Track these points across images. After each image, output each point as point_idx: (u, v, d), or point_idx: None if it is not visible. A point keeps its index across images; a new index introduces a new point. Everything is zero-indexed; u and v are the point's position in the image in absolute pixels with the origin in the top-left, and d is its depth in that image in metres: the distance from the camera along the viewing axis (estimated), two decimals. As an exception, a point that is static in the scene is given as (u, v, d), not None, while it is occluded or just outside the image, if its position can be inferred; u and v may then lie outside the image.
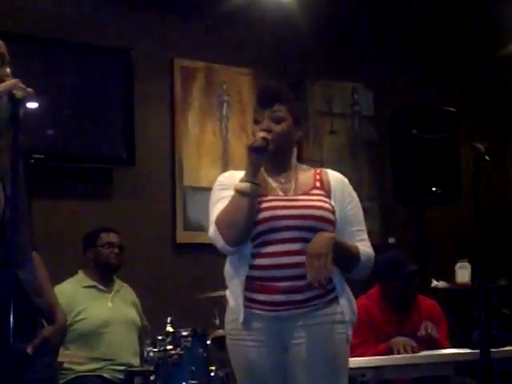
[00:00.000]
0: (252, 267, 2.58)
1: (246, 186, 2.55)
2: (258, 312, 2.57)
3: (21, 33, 4.62)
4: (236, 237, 2.56)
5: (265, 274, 2.56)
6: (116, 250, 4.42)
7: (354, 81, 6.12)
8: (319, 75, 5.97)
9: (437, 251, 5.84)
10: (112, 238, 4.45)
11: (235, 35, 5.60)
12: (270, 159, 2.64)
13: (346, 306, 2.61)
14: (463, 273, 5.65)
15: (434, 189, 5.38)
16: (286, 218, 2.58)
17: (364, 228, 2.73)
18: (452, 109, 5.62)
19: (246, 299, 2.59)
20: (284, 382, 2.58)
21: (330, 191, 2.69)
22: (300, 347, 2.55)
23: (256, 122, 2.69)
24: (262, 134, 2.58)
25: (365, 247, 2.68)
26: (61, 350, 3.74)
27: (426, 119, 5.47)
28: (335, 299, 2.60)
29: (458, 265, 5.71)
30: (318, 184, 2.70)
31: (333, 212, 2.63)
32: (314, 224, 2.57)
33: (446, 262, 5.82)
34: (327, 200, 2.65)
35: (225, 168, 5.26)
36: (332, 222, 2.61)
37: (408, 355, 3.66)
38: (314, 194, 2.66)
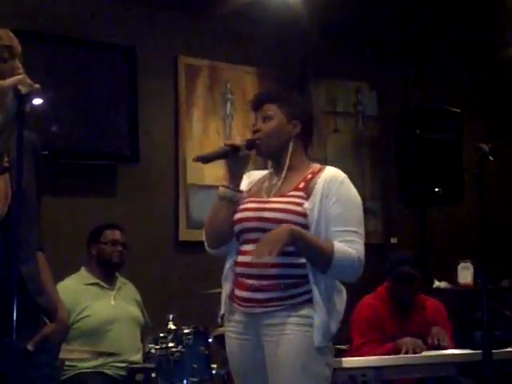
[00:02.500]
0: (235, 263, 2.68)
1: (221, 190, 2.68)
2: (236, 306, 2.66)
3: (25, 30, 4.61)
4: (213, 239, 2.71)
5: (239, 270, 2.65)
6: (119, 248, 4.38)
7: (358, 80, 6.12)
8: (323, 74, 5.98)
9: (439, 252, 5.84)
10: (116, 235, 4.41)
11: (240, 34, 5.60)
12: (267, 158, 2.78)
13: (319, 311, 2.53)
14: (466, 273, 5.65)
15: (437, 189, 5.38)
16: (255, 220, 2.62)
17: (354, 229, 2.59)
18: (456, 109, 5.62)
19: (231, 293, 2.68)
20: (261, 376, 2.59)
21: (311, 192, 2.62)
22: (268, 345, 2.58)
23: (253, 126, 2.78)
24: (229, 142, 2.68)
25: (346, 247, 2.55)
26: (64, 346, 3.77)
27: (430, 119, 5.47)
28: (305, 303, 2.55)
29: (461, 265, 5.71)
30: (301, 185, 2.65)
31: (304, 215, 2.57)
32: (276, 227, 2.52)
33: (449, 262, 5.82)
34: (301, 202, 2.59)
35: (228, 166, 5.27)
36: (301, 225, 2.54)
37: (409, 355, 3.66)
38: (289, 196, 2.62)
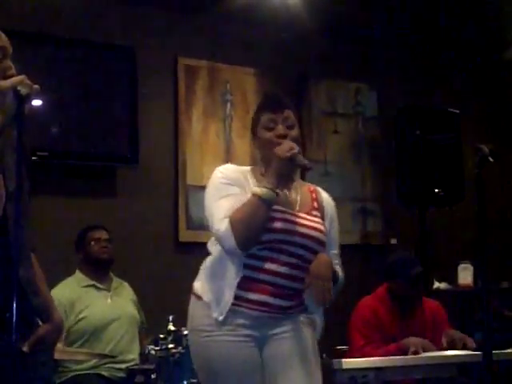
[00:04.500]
0: (248, 267, 2.61)
1: (269, 194, 2.57)
2: (242, 310, 2.60)
3: (25, 30, 4.62)
4: (249, 241, 2.58)
5: (263, 276, 2.61)
6: (103, 244, 4.42)
7: (358, 81, 6.12)
8: (323, 75, 5.97)
9: (439, 252, 5.84)
10: (98, 233, 4.45)
11: (239, 34, 5.60)
12: None
13: (316, 315, 2.75)
14: (465, 274, 5.64)
15: (436, 190, 5.38)
16: (297, 235, 2.64)
17: (339, 251, 2.85)
18: (455, 110, 5.62)
19: (236, 296, 2.61)
20: (259, 376, 2.61)
21: (323, 214, 2.79)
22: (283, 342, 2.65)
23: (268, 128, 2.71)
24: (292, 145, 2.62)
25: (340, 270, 2.79)
26: (63, 347, 3.77)
27: (430, 120, 5.46)
28: (305, 309, 2.73)
29: (461, 266, 5.70)
30: (315, 204, 2.79)
31: (325, 235, 2.74)
32: (316, 246, 2.67)
33: (449, 263, 5.81)
34: (323, 223, 2.76)
35: (228, 167, 5.27)
36: (325, 245, 2.73)
37: (409, 356, 3.65)
38: (314, 216, 2.75)
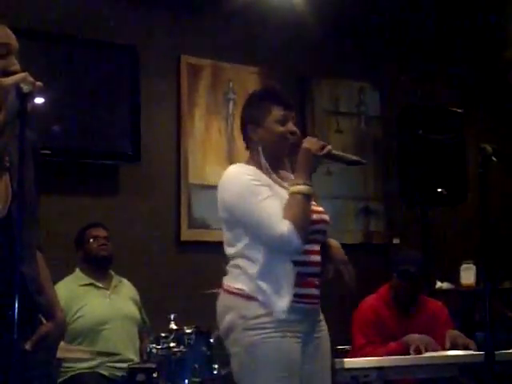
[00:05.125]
0: (297, 263, 2.66)
1: (309, 189, 2.66)
2: (295, 305, 2.64)
3: (29, 28, 4.62)
4: (306, 237, 2.64)
5: (310, 269, 2.69)
6: (102, 242, 4.41)
7: (361, 80, 6.12)
8: (326, 74, 5.97)
9: (442, 252, 5.83)
10: (97, 231, 4.45)
11: (242, 33, 5.60)
12: (287, 158, 2.82)
13: None
14: (468, 274, 5.64)
15: (439, 190, 5.37)
16: (324, 222, 2.77)
17: None
18: (458, 109, 5.61)
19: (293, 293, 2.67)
20: (299, 375, 2.66)
21: None
22: (317, 340, 2.74)
23: (280, 122, 2.75)
24: (321, 142, 2.70)
25: None
26: (64, 345, 3.77)
27: (433, 120, 5.45)
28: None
29: (463, 266, 5.70)
30: None
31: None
32: (327, 229, 2.80)
33: (451, 263, 5.81)
34: None
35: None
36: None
37: (411, 356, 3.64)
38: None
